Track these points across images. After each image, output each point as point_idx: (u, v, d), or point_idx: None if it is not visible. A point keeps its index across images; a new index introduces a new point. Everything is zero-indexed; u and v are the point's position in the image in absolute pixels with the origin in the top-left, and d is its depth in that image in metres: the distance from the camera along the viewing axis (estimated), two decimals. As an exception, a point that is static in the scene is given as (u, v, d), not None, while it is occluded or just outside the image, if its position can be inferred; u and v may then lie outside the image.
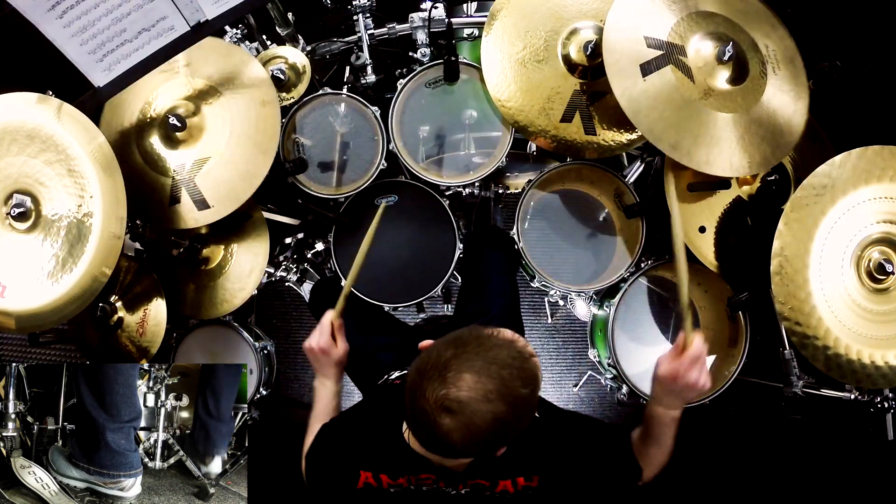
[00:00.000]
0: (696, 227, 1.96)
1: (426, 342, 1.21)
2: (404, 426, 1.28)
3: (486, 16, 1.96)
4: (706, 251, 1.97)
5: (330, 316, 1.52)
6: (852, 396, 2.05)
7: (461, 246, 2.14)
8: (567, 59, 1.92)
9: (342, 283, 2.14)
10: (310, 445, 1.41)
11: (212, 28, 1.64)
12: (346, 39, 2.26)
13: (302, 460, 1.44)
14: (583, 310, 2.66)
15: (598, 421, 1.37)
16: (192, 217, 1.83)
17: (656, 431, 1.38)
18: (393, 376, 1.63)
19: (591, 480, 1.33)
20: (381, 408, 1.41)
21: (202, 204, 1.82)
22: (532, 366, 1.11)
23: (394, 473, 1.27)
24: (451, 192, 2.24)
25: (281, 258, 2.43)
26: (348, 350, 1.54)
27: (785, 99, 1.79)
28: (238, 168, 1.81)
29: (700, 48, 1.76)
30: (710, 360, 2.20)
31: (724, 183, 1.94)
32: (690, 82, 1.74)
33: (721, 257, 1.97)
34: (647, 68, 1.72)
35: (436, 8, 2.08)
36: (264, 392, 2.35)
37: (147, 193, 1.86)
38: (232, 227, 2.13)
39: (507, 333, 1.13)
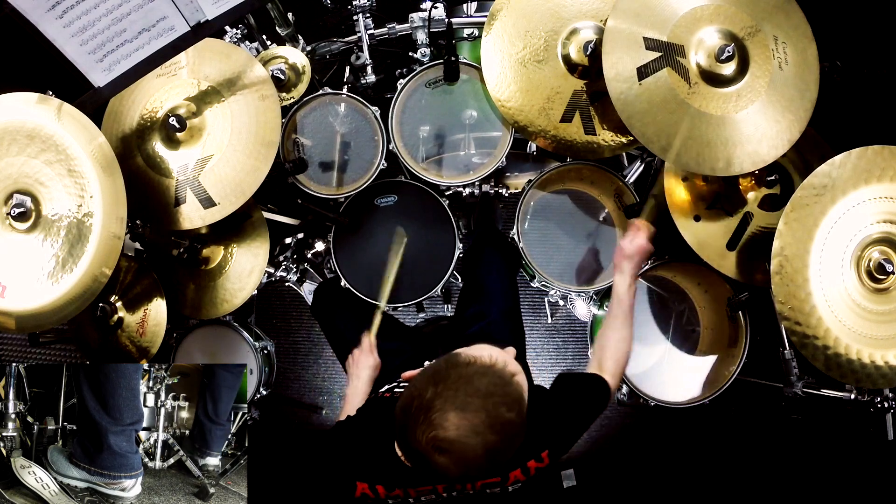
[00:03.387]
0: (722, 246, 1.94)
1: (410, 373, 1.27)
2: (396, 445, 1.29)
3: (486, 16, 1.96)
4: (730, 269, 1.94)
5: (368, 339, 1.75)
6: (852, 396, 2.05)
7: (461, 246, 2.14)
8: (567, 59, 1.92)
9: (343, 284, 2.14)
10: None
11: (212, 28, 1.64)
12: (346, 39, 2.26)
13: None
14: (583, 310, 2.66)
15: (566, 377, 1.48)
16: (199, 216, 1.83)
17: (628, 307, 1.59)
18: (382, 389, 1.64)
19: (580, 423, 1.41)
20: (373, 421, 1.42)
21: (208, 202, 1.82)
22: (515, 388, 1.13)
23: (389, 485, 1.29)
24: (451, 192, 2.24)
25: (281, 258, 2.43)
26: (380, 363, 1.74)
27: (789, 95, 1.78)
28: (242, 163, 1.81)
29: (700, 47, 1.76)
30: (711, 359, 2.20)
31: (716, 198, 1.94)
32: (686, 85, 1.74)
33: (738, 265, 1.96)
34: (643, 72, 1.72)
35: (436, 8, 2.08)
36: (264, 392, 2.35)
37: (152, 197, 1.86)
38: (232, 228, 2.13)
39: (485, 358, 1.14)
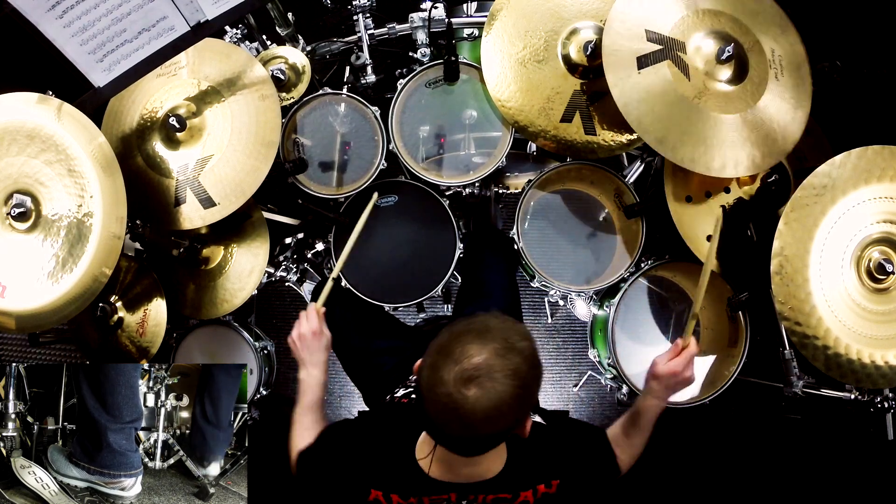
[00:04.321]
0: (702, 235, 1.96)
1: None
2: (417, 449, 1.29)
3: (486, 16, 1.96)
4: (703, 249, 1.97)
5: (314, 305, 1.59)
6: (852, 396, 2.05)
7: (461, 246, 2.14)
8: (567, 59, 1.92)
9: (343, 284, 2.14)
10: (309, 446, 1.42)
11: (212, 28, 1.64)
12: (346, 39, 2.26)
13: (292, 453, 1.45)
14: (583, 310, 2.66)
15: (578, 421, 1.47)
16: (198, 216, 1.83)
17: (644, 422, 1.50)
18: (399, 394, 1.63)
19: (587, 481, 1.38)
20: (392, 426, 1.41)
21: (208, 202, 1.82)
22: (522, 325, 1.16)
23: (405, 494, 1.29)
24: (451, 192, 2.24)
25: (281, 258, 2.43)
26: (331, 337, 1.59)
27: (783, 106, 1.79)
28: (242, 163, 1.82)
29: (701, 46, 1.76)
30: (711, 359, 2.20)
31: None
32: (686, 79, 1.74)
33: (723, 258, 1.97)
34: (643, 61, 1.73)
35: (436, 8, 2.08)
36: (264, 392, 2.35)
37: (152, 197, 1.86)
38: (232, 228, 2.13)
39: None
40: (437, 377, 1.08)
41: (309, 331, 1.56)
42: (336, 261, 2.13)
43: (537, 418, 1.45)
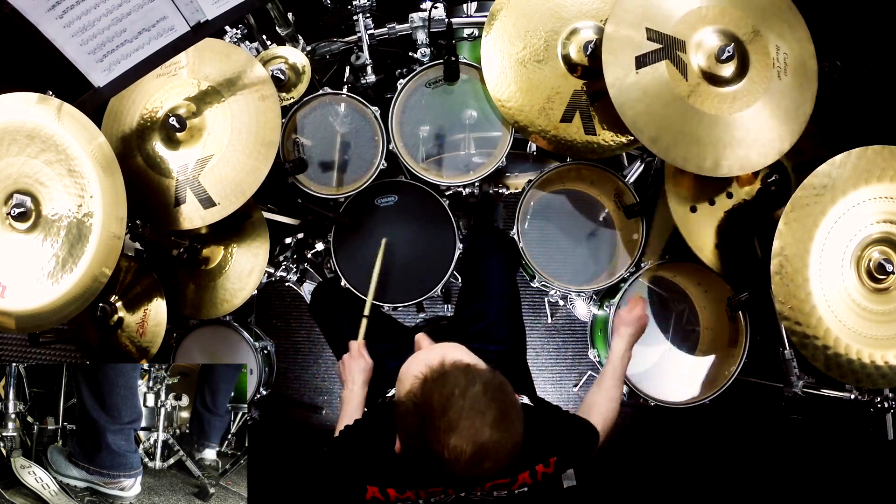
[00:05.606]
0: (706, 238, 1.97)
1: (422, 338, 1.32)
2: None
3: (486, 16, 1.96)
4: (711, 257, 1.97)
5: (355, 343, 1.79)
6: (852, 396, 2.05)
7: (461, 246, 2.14)
8: (567, 59, 1.92)
9: (343, 284, 2.14)
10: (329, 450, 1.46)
11: (212, 28, 1.64)
12: (346, 39, 2.26)
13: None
14: (583, 310, 2.65)
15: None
16: (198, 216, 1.83)
17: (620, 371, 1.69)
18: (390, 394, 1.65)
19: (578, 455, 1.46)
20: (383, 424, 1.42)
21: (208, 202, 1.82)
22: (464, 368, 1.19)
23: (401, 488, 1.30)
24: (451, 192, 2.24)
25: (281, 258, 2.43)
26: (373, 364, 1.77)
27: (784, 105, 1.78)
28: (242, 163, 1.82)
29: (701, 45, 1.76)
30: (711, 359, 2.20)
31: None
32: (683, 80, 1.74)
33: (725, 262, 1.97)
34: (641, 61, 1.73)
35: (436, 8, 2.08)
36: (264, 392, 2.35)
37: (152, 197, 1.86)
38: (232, 228, 2.13)
39: (437, 363, 1.18)
40: (443, 461, 1.11)
41: (349, 358, 1.77)
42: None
43: (525, 399, 1.48)
